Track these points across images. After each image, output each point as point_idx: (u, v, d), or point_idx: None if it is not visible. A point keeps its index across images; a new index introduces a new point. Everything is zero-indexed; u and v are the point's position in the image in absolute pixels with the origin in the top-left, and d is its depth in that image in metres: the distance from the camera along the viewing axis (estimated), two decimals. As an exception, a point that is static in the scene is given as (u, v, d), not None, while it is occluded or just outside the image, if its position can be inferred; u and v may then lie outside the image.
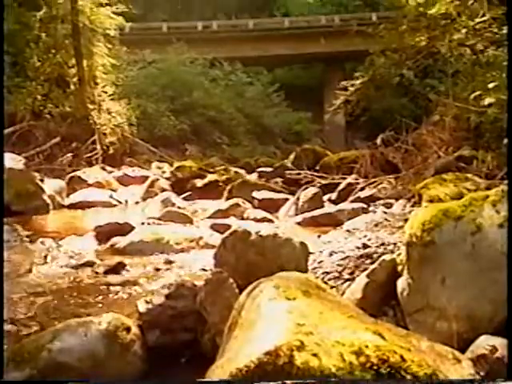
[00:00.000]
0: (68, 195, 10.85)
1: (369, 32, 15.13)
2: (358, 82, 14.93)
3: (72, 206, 10.23)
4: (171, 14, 38.57)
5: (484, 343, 3.02)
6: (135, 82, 24.21)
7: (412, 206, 7.67)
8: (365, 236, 5.10)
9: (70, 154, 15.35)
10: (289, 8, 39.66)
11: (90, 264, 5.61)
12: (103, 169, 14.16)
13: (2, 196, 8.21)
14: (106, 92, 18.23)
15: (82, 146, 16.04)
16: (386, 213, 7.34)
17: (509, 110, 7.59)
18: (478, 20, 11.28)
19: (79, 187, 11.40)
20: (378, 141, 11.89)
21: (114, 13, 18.49)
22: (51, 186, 10.48)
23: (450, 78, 13.87)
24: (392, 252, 4.39)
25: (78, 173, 12.36)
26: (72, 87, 17.49)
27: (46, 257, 5.97)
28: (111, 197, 10.98)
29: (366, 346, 2.49)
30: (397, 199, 8.53)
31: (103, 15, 18.25)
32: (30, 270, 5.38)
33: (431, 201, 6.95)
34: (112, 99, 18.34)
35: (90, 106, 17.15)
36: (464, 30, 11.88)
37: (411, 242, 3.50)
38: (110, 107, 17.95)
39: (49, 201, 9.65)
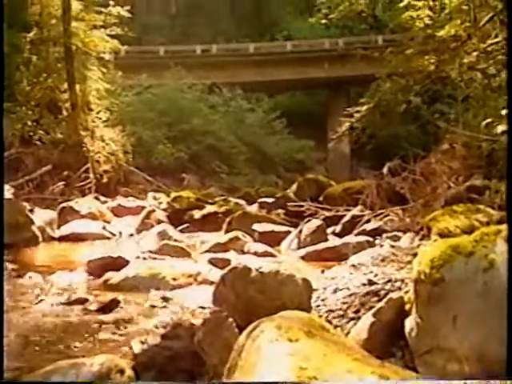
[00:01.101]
0: (59, 227, 10.80)
1: (374, 56, 15.25)
2: (363, 108, 15.00)
3: (63, 239, 10.19)
4: (169, 38, 38.86)
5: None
6: (130, 107, 24.36)
7: (420, 239, 7.63)
8: (371, 272, 5.08)
9: (61, 183, 15.36)
10: (291, 31, 39.95)
11: (81, 301, 5.57)
12: (96, 199, 14.15)
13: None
14: (99, 118, 18.32)
15: (75, 174, 16.07)
16: (393, 247, 7.31)
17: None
18: (490, 42, 11.33)
19: (71, 218, 11.32)
20: (385, 170, 11.86)
21: (108, 35, 18.66)
22: (41, 216, 10.46)
23: (461, 104, 13.91)
24: (399, 289, 4.37)
25: (69, 203, 12.30)
26: (64, 113, 17.59)
27: (34, 293, 5.94)
28: (105, 228, 10.93)
29: (373, 392, 2.48)
30: (404, 232, 8.50)
31: (97, 38, 18.40)
32: (16, 308, 5.35)
33: (441, 234, 6.93)
34: (106, 126, 18.42)
35: (83, 133, 17.21)
36: (475, 53, 11.93)
37: (419, 279, 3.49)
38: (104, 134, 18.02)
39: (38, 233, 9.61)
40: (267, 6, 42.26)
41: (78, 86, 17.57)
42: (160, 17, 40.74)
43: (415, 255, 4.34)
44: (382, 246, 7.61)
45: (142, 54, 33.43)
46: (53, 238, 10.17)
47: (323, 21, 17.44)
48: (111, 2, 18.74)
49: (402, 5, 14.69)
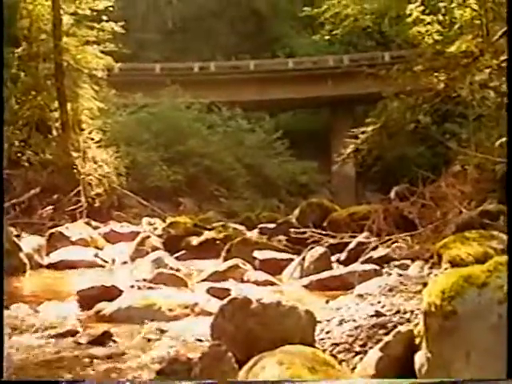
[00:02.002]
0: (48, 254, 10.77)
1: (381, 73, 15.31)
2: (369, 128, 15.04)
3: (52, 266, 10.15)
4: (165, 54, 39.04)
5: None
6: (125, 127, 24.41)
7: (430, 267, 7.61)
8: (378, 302, 5.07)
9: (50, 207, 15.33)
10: (293, 48, 40.16)
11: (71, 333, 5.54)
12: (88, 224, 14.12)
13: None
14: (92, 139, 18.34)
15: (65, 197, 16.05)
16: (401, 275, 7.29)
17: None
18: (503, 58, 11.35)
19: (61, 245, 11.30)
20: (392, 194, 11.86)
21: (101, 52, 18.74)
22: (29, 243, 10.42)
23: (472, 124, 13.96)
24: (408, 321, 4.36)
25: (59, 228, 12.28)
26: (54, 133, 17.63)
27: (21, 325, 5.91)
28: (96, 256, 10.91)
29: None
30: (413, 260, 8.47)
31: (90, 54, 18.48)
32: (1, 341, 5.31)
33: (452, 262, 6.92)
34: (99, 146, 18.44)
35: (74, 154, 17.22)
36: (488, 70, 11.98)
37: (430, 311, 3.47)
38: (97, 155, 18.03)
39: (26, 260, 9.58)
40: (268, 20, 42.48)
41: (69, 105, 17.60)
42: (156, 32, 40.90)
43: (425, 285, 4.33)
44: (389, 274, 7.60)
45: (137, 72, 33.56)
46: (41, 266, 10.14)
47: (327, 37, 17.53)
48: (104, 17, 18.83)
49: (409, 20, 14.81)
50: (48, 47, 17.68)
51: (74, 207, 15.84)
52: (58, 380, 3.14)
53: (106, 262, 10.87)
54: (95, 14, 18.59)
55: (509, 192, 6.40)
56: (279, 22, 42.49)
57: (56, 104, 17.60)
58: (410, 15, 14.64)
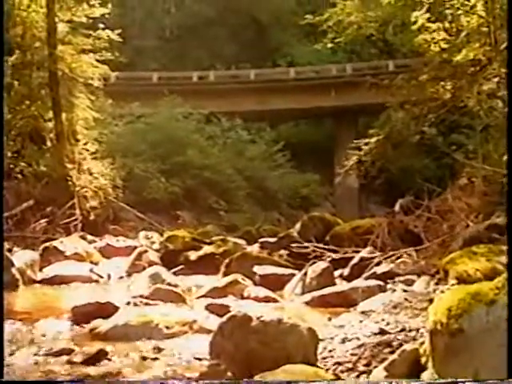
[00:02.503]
0: (41, 269, 10.74)
1: (385, 83, 15.33)
2: (372, 139, 15.04)
3: (46, 282, 10.13)
4: (163, 63, 39.16)
5: None
6: (121, 138, 24.43)
7: (436, 283, 7.61)
8: (382, 319, 5.07)
9: (44, 220, 15.30)
10: (295, 56, 40.24)
11: (65, 352, 5.53)
12: (83, 238, 14.07)
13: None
14: (87, 150, 18.30)
15: (59, 210, 16.01)
16: (406, 292, 7.29)
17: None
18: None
19: (55, 259, 11.27)
20: (397, 207, 11.86)
21: (97, 60, 18.71)
22: (21, 257, 10.40)
23: (480, 135, 13.96)
24: (414, 340, 4.35)
25: (53, 242, 12.23)
26: (48, 144, 17.60)
27: (14, 343, 5.90)
28: (92, 271, 10.88)
29: None
30: (419, 276, 8.47)
31: (86, 63, 18.46)
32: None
33: (459, 278, 6.90)
34: (94, 158, 18.42)
35: (69, 166, 17.19)
36: (496, 79, 11.99)
37: (436, 329, 3.47)
38: (92, 167, 18.01)
39: (18, 275, 9.55)
40: (269, 29, 42.61)
41: (63, 115, 17.57)
42: (153, 41, 41.03)
43: (431, 301, 4.33)
44: (394, 290, 7.60)
45: (134, 81, 33.62)
46: (34, 282, 10.12)
47: (329, 45, 17.55)
48: (101, 25, 18.85)
49: (415, 27, 14.83)
50: (42, 55, 17.66)
51: (68, 220, 15.78)
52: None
53: (102, 277, 10.84)
54: (91, 21, 18.59)
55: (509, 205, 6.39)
56: (280, 30, 42.62)
57: (50, 114, 17.57)
58: (415, 23, 14.65)
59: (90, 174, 17.75)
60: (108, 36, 18.76)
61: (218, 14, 41.68)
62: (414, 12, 14.61)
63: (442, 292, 6.25)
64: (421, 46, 14.91)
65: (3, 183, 8.58)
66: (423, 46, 14.77)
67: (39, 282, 10.18)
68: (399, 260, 9.47)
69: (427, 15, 14.42)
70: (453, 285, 6.72)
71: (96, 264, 11.78)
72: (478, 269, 7.06)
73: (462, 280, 6.70)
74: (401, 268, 9.12)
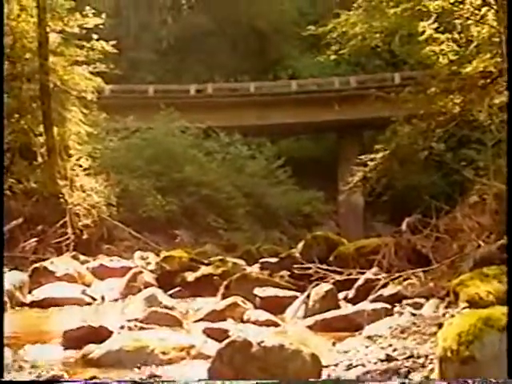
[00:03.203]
0: (31, 291, 10.73)
1: (391, 96, 15.36)
2: (378, 155, 15.06)
3: (36, 304, 10.13)
4: (159, 75, 39.26)
5: None
6: (115, 154, 24.47)
7: (446, 307, 7.58)
8: (389, 345, 5.05)
9: (34, 240, 15.30)
10: (296, 69, 40.35)
11: (56, 379, 5.50)
12: (75, 258, 14.08)
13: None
14: (80, 166, 18.34)
15: (50, 229, 16.01)
16: (414, 315, 7.27)
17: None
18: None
19: (45, 281, 11.26)
20: (404, 226, 11.82)
21: (91, 72, 18.79)
22: (10, 278, 10.34)
23: (491, 150, 13.94)
24: (423, 367, 4.32)
25: (43, 263, 12.23)
26: (39, 159, 17.61)
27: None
28: (84, 293, 10.90)
29: None
30: (427, 298, 8.44)
31: (78, 75, 18.52)
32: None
33: (470, 302, 6.88)
34: (87, 174, 18.45)
35: (61, 182, 17.21)
36: (507, 92, 11.99)
37: (446, 356, 3.44)
38: (85, 184, 18.03)
39: (6, 298, 9.51)
40: (270, 40, 42.73)
41: (55, 129, 17.60)
42: (149, 52, 41.12)
43: (440, 326, 4.31)
44: (401, 314, 7.58)
45: (129, 94, 33.73)
46: (23, 304, 10.10)
47: (333, 57, 17.54)
48: (94, 36, 18.92)
49: (422, 38, 14.85)
50: (33, 67, 17.70)
51: (59, 240, 15.80)
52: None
53: (95, 299, 10.86)
54: (84, 32, 18.68)
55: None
56: (281, 41, 42.74)
57: (41, 128, 17.59)
58: (422, 33, 14.67)
59: (83, 190, 17.76)
60: (102, 47, 18.85)
61: (216, 25, 41.85)
62: (421, 22, 14.62)
63: (452, 316, 6.23)
64: (428, 58, 14.94)
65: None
66: (431, 58, 14.80)
67: (28, 304, 10.18)
68: (406, 282, 9.44)
69: (435, 25, 14.44)
70: (463, 308, 6.70)
71: (89, 286, 11.78)
72: (490, 291, 7.03)
73: (473, 303, 6.67)
74: (408, 290, 9.10)
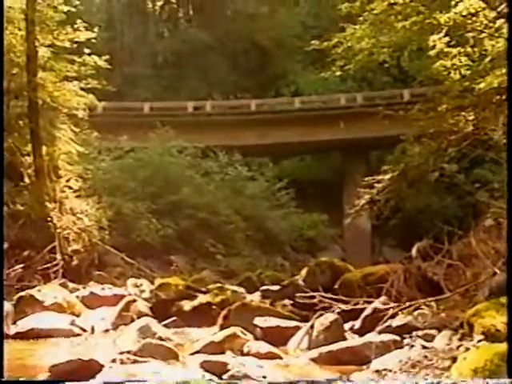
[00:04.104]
0: (15, 321, 10.68)
1: (400, 114, 15.36)
2: (386, 176, 15.05)
3: (20, 336, 10.06)
4: (155, 92, 39.35)
5: None
6: (108, 175, 24.42)
7: (460, 339, 7.52)
8: (399, 380, 4.97)
9: (20, 266, 15.22)
10: (300, 85, 40.46)
11: (56, 380, 5.45)
12: (64, 286, 14.04)
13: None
14: (70, 187, 18.32)
15: (37, 255, 15.96)
16: (425, 348, 7.21)
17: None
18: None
19: (31, 310, 11.21)
20: (414, 251, 11.82)
21: (82, 89, 18.82)
22: (-7, 308, 10.37)
23: (506, 170, 13.92)
24: (436, 404, 4.26)
25: (30, 291, 12.19)
26: (26, 180, 17.56)
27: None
28: (73, 323, 10.85)
29: None
30: (439, 330, 8.39)
31: (69, 91, 18.54)
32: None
33: (486, 334, 6.81)
34: (78, 196, 18.42)
35: (50, 205, 17.16)
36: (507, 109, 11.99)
37: (462, 394, 3.38)
38: (75, 206, 17.99)
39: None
40: (272, 55, 42.85)
41: (44, 148, 17.57)
42: (144, 68, 41.29)
43: (454, 360, 4.24)
44: (411, 346, 7.52)
45: (123, 112, 33.79)
46: (7, 336, 9.98)
47: (338, 73, 17.57)
48: (86, 50, 18.97)
49: (432, 53, 14.88)
50: (21, 83, 17.70)
51: (47, 266, 15.72)
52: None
53: (85, 330, 10.83)
54: (76, 46, 18.73)
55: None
56: (284, 56, 42.90)
57: (29, 147, 17.56)
58: (433, 48, 14.71)
59: (73, 214, 17.72)
60: (94, 62, 18.92)
61: (215, 39, 42.04)
62: (431, 36, 14.65)
63: (467, 350, 6.16)
64: (439, 73, 14.95)
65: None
66: (442, 73, 14.81)
67: (13, 336, 10.10)
68: (417, 312, 9.41)
69: (446, 39, 14.47)
70: (479, 341, 6.63)
71: (78, 315, 11.72)
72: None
73: (490, 336, 6.60)
74: (419, 321, 9.06)
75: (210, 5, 43.24)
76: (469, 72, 14.20)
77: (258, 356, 8.12)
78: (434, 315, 9.15)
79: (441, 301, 9.68)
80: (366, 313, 10.09)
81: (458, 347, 6.78)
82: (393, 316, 9.53)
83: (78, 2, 19.73)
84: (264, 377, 4.34)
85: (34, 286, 13.08)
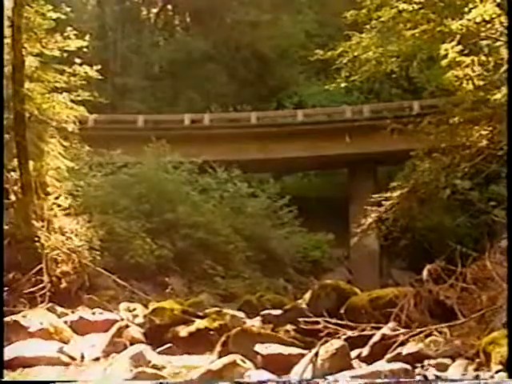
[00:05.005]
0: None
1: (409, 127, 15.34)
2: (394, 193, 15.03)
3: (5, 365, 9.87)
4: (149, 104, 39.38)
5: None
6: (99, 192, 24.39)
7: (476, 369, 7.45)
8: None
9: (4, 289, 15.13)
10: (303, 97, 40.51)
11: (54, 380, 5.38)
12: (51, 310, 14.01)
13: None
14: (59, 205, 18.27)
15: (23, 277, 15.90)
16: (438, 378, 7.14)
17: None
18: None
19: (16, 337, 11.18)
20: (425, 274, 11.78)
21: (73, 101, 18.77)
22: (-25, 334, 10.33)
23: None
24: None
25: (14, 316, 12.17)
26: (12, 197, 17.50)
27: None
28: (62, 351, 10.78)
29: None
30: (453, 359, 8.34)
31: (58, 103, 18.50)
32: None
33: (504, 364, 6.74)
34: (67, 214, 18.38)
35: (37, 224, 17.11)
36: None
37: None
38: (65, 225, 17.95)
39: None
40: (273, 65, 42.86)
41: (31, 164, 17.51)
42: (138, 78, 41.31)
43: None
44: (424, 377, 7.45)
45: (116, 125, 33.73)
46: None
47: (343, 84, 17.55)
48: (77, 60, 18.94)
49: (444, 62, 14.84)
50: (6, 94, 17.61)
51: (34, 289, 15.62)
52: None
53: (74, 358, 10.75)
54: (66, 55, 18.70)
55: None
56: (286, 66, 42.99)
57: (15, 162, 17.51)
58: (444, 57, 14.66)
59: (62, 233, 17.66)
60: (85, 72, 18.86)
61: (213, 48, 42.16)
62: (443, 45, 14.63)
63: (485, 381, 6.09)
64: (451, 84, 14.93)
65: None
66: (454, 84, 14.78)
67: (-4, 365, 10.03)
68: (429, 339, 9.38)
69: (459, 48, 14.42)
70: (497, 372, 6.56)
71: (67, 342, 11.70)
72: (529, 352, 6.92)
73: (509, 366, 6.53)
74: (431, 349, 9.02)
75: (208, 12, 43.18)
76: (483, 82, 14.17)
77: (259, 386, 8.10)
78: (447, 342, 9.11)
79: (454, 327, 9.63)
80: (374, 339, 10.07)
81: (476, 378, 6.71)
82: (403, 343, 9.50)
83: (68, 9, 19.81)
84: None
85: (19, 311, 13.07)
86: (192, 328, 12.16)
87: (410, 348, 9.25)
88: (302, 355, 9.79)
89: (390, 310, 10.85)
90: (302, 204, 31.21)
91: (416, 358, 8.72)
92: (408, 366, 8.17)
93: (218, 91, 40.21)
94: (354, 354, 9.80)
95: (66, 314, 14.04)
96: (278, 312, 13.33)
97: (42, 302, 15.02)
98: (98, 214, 21.36)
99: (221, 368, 8.89)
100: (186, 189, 27.40)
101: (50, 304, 14.86)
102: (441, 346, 9.00)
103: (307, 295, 13.25)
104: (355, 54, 16.17)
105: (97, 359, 10.93)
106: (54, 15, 18.32)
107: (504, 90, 12.97)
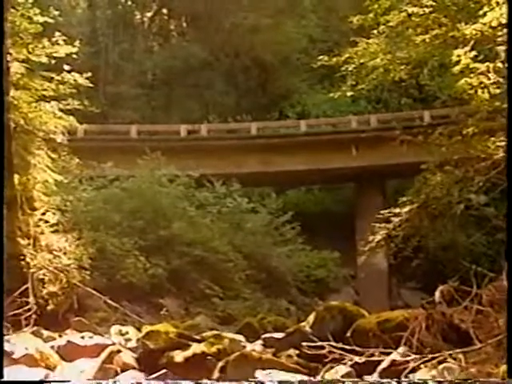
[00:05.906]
0: (-21, 376, 10.56)
1: (419, 138, 15.30)
2: (404, 209, 14.98)
3: (-12, 393, 9.93)
4: (143, 114, 39.40)
5: None
6: (90, 207, 24.34)
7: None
8: None
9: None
10: (306, 106, 40.55)
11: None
12: (37, 334, 13.97)
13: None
14: (46, 221, 18.25)
15: (7, 298, 15.73)
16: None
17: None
18: None
19: (-1, 363, 11.11)
20: (437, 295, 11.72)
21: (61, 110, 18.78)
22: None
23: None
24: None
25: (-3, 341, 12.11)
26: (-4, 213, 17.52)
27: None
28: (48, 379, 10.70)
29: None
30: (470, 387, 8.26)
31: (46, 113, 18.52)
32: None
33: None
34: (55, 231, 18.36)
35: (22, 241, 17.11)
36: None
37: None
38: (52, 242, 17.93)
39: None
40: (275, 72, 42.93)
41: (16, 177, 17.50)
42: (132, 86, 41.34)
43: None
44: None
45: (107, 136, 33.78)
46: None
47: (349, 93, 17.55)
48: (66, 67, 18.95)
49: (457, 69, 14.77)
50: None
51: (18, 311, 15.60)
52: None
53: (61, 386, 10.68)
54: (54, 62, 18.70)
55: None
56: (289, 73, 43.07)
57: (-1, 176, 17.55)
58: (457, 63, 14.59)
59: (49, 251, 17.66)
60: (75, 80, 18.92)
61: (211, 54, 42.20)
62: (455, 50, 14.57)
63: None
64: (465, 92, 14.87)
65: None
66: (468, 92, 14.72)
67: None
68: (442, 365, 9.30)
69: (473, 54, 14.36)
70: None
71: (53, 369, 11.65)
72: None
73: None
74: (445, 376, 8.93)
75: (205, 16, 43.30)
76: (498, 90, 14.10)
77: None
78: (462, 370, 9.03)
79: (470, 353, 9.54)
80: (382, 366, 10.01)
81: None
82: (414, 370, 9.42)
83: (56, 13, 19.79)
84: None
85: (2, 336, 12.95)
86: (188, 353, 12.08)
87: (421, 375, 9.20)
88: (306, 382, 9.75)
89: (400, 333, 10.77)
90: (305, 220, 31.18)
91: (429, 386, 8.67)
92: (420, 395, 8.12)
93: (216, 100, 40.31)
94: (361, 381, 9.75)
95: (53, 339, 13.97)
96: (280, 335, 13.27)
97: (26, 326, 15.01)
98: (88, 231, 21.33)
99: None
100: (182, 204, 27.35)
101: (36, 327, 14.84)
102: (455, 374, 8.93)
103: (311, 317, 13.17)
104: (362, 60, 16.16)
105: (86, 388, 10.88)
106: (42, 19, 18.38)
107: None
